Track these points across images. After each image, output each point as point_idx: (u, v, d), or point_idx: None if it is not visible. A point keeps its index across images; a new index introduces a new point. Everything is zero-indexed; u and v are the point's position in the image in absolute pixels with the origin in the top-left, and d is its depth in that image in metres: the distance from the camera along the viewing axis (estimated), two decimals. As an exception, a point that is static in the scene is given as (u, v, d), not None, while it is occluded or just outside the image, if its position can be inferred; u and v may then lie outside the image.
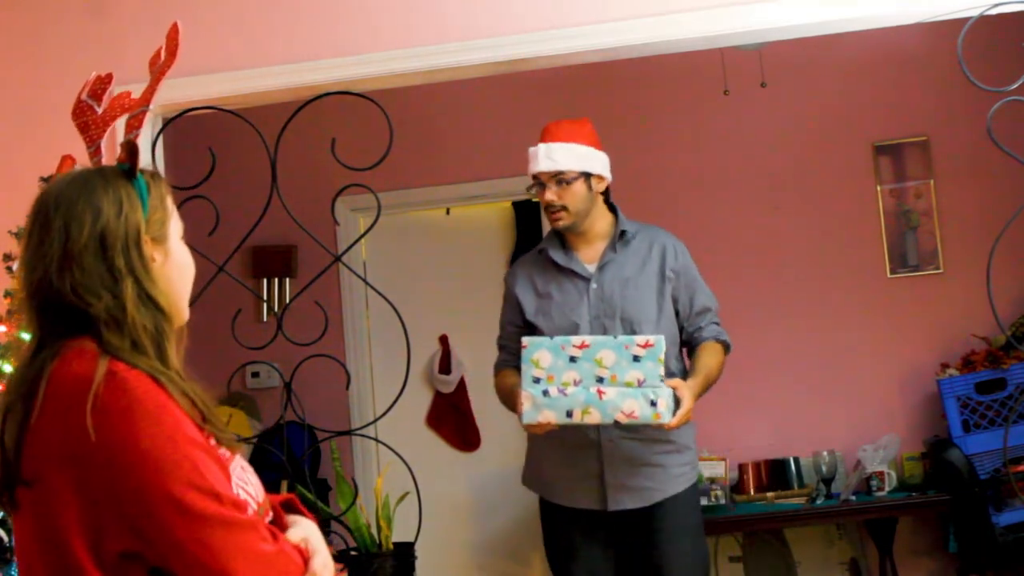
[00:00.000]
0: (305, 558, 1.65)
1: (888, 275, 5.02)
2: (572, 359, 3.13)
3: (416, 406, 5.45)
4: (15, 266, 2.94)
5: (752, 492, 4.78)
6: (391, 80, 3.34)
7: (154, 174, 1.71)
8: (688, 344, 3.48)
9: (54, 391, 1.53)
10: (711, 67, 4.81)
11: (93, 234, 1.60)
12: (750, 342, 4.43)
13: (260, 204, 3.34)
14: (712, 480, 4.60)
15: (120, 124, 1.83)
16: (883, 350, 4.96)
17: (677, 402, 3.16)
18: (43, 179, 2.59)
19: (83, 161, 1.84)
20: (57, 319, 1.60)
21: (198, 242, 2.15)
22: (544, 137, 3.39)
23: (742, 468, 4.82)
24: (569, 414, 3.12)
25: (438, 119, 5.28)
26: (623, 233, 3.44)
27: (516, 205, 5.51)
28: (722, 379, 3.45)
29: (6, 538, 2.63)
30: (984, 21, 3.03)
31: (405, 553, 3.44)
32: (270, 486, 1.78)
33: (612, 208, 3.50)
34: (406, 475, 3.41)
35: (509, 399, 3.36)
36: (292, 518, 1.76)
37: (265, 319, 5.26)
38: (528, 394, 3.15)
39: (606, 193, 3.47)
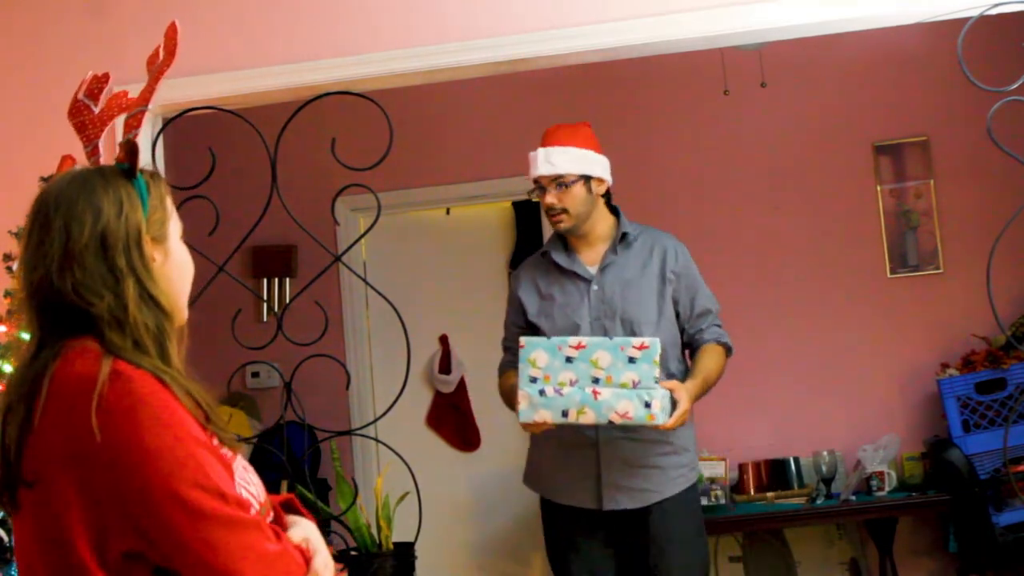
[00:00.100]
0: (307, 558, 1.65)
1: (888, 275, 5.02)
2: (568, 359, 3.16)
3: (416, 406, 5.45)
4: (15, 266, 2.94)
5: (752, 492, 4.78)
6: (391, 80, 3.34)
7: (153, 174, 1.71)
8: (689, 346, 3.49)
9: (57, 391, 1.53)
10: (711, 67, 4.81)
11: (94, 234, 1.59)
12: (750, 342, 4.44)
13: (260, 204, 3.34)
14: (712, 480, 4.60)
15: (119, 124, 1.83)
16: (883, 350, 4.96)
17: (674, 403, 3.18)
18: (43, 179, 2.58)
19: (83, 161, 1.84)
20: (58, 319, 1.59)
21: (198, 242, 2.15)
22: (544, 142, 3.42)
23: (742, 468, 4.82)
24: (565, 414, 3.15)
25: (438, 119, 5.28)
26: (624, 235, 3.46)
27: (516, 205, 5.51)
28: (722, 379, 3.45)
29: (6, 538, 2.63)
30: (984, 21, 3.03)
31: (405, 553, 3.44)
32: (270, 486, 1.78)
33: (614, 211, 3.52)
34: (406, 475, 3.41)
35: (510, 399, 3.37)
36: (291, 518, 1.76)
37: (265, 319, 5.26)
38: (525, 393, 3.18)
39: (608, 196, 3.50)
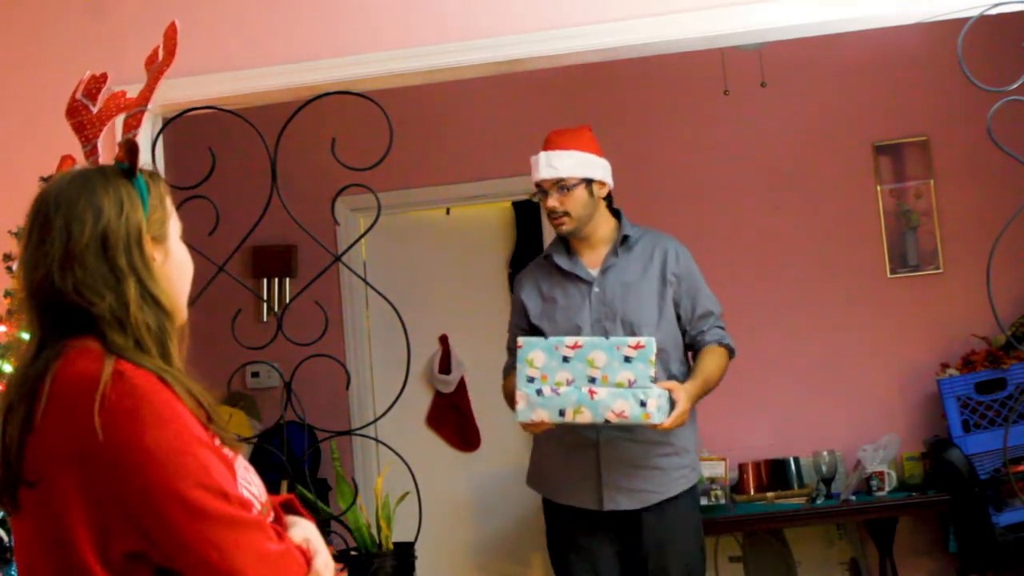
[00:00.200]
0: (308, 558, 1.65)
1: (888, 275, 5.02)
2: (565, 359, 3.19)
3: (416, 406, 5.45)
4: (15, 266, 2.94)
5: (752, 492, 4.78)
6: (391, 80, 3.34)
7: (153, 173, 1.71)
8: (692, 348, 3.50)
9: (59, 391, 1.53)
10: (711, 67, 4.81)
11: (95, 233, 1.59)
12: (750, 342, 4.42)
13: (260, 204, 3.34)
14: (712, 480, 4.60)
15: (118, 124, 1.83)
16: (883, 350, 4.96)
17: (673, 403, 3.19)
18: (43, 179, 2.58)
19: (82, 161, 1.84)
20: (58, 318, 1.59)
21: (198, 242, 2.15)
22: (546, 145, 3.44)
23: (742, 468, 4.82)
24: (562, 413, 3.17)
25: (438, 119, 5.28)
26: (626, 238, 3.48)
27: (516, 205, 5.51)
28: (722, 379, 3.45)
29: (6, 538, 2.63)
30: (984, 21, 3.03)
31: (405, 553, 3.44)
32: (270, 486, 1.78)
33: (616, 213, 3.54)
34: (406, 475, 3.41)
35: (512, 401, 3.38)
36: (291, 519, 1.76)
37: (265, 319, 5.26)
38: (523, 393, 3.21)
39: (609, 198, 3.51)
